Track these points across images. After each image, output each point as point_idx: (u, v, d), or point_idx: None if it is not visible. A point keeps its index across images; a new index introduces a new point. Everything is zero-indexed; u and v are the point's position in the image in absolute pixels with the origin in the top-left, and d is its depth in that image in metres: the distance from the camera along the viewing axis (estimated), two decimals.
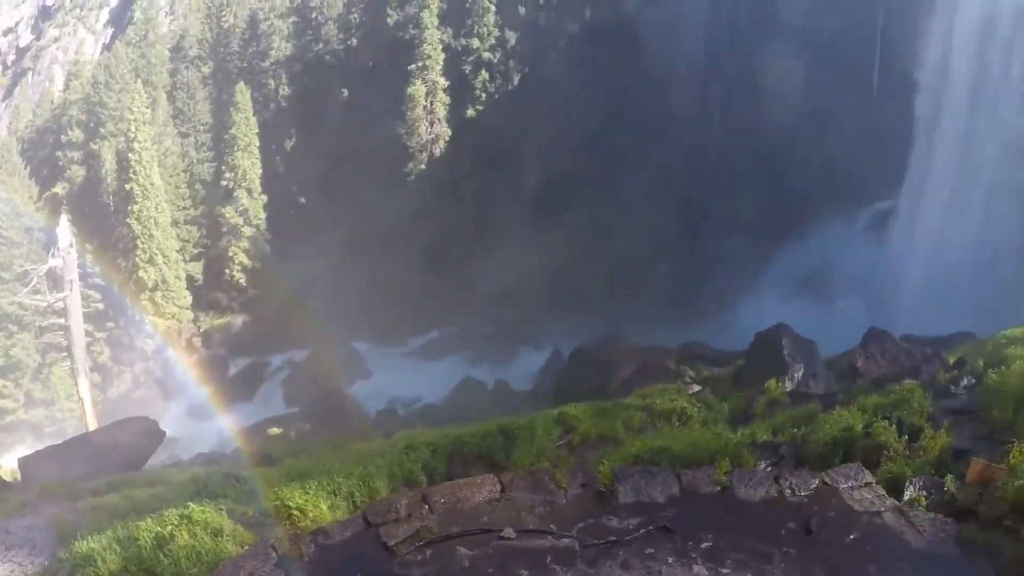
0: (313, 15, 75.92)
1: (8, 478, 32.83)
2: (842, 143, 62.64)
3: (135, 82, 71.34)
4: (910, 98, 59.41)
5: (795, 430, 16.98)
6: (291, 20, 77.04)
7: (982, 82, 56.73)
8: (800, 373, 29.50)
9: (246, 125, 68.90)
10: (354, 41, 74.26)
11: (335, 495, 14.32)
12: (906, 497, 12.60)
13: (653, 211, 63.77)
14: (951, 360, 28.62)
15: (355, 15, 75.19)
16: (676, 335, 53.30)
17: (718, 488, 12.62)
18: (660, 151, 65.44)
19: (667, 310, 59.14)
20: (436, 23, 67.47)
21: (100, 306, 66.01)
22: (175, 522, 13.32)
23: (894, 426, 15.59)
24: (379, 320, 65.46)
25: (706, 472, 13.07)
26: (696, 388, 30.73)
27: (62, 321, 51.85)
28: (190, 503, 14.36)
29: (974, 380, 23.03)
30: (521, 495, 12.97)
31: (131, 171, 63.73)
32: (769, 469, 14.32)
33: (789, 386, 27.72)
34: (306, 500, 13.80)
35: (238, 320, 70.83)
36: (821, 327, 40.50)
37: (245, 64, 77.23)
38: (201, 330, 70.05)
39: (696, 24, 71.15)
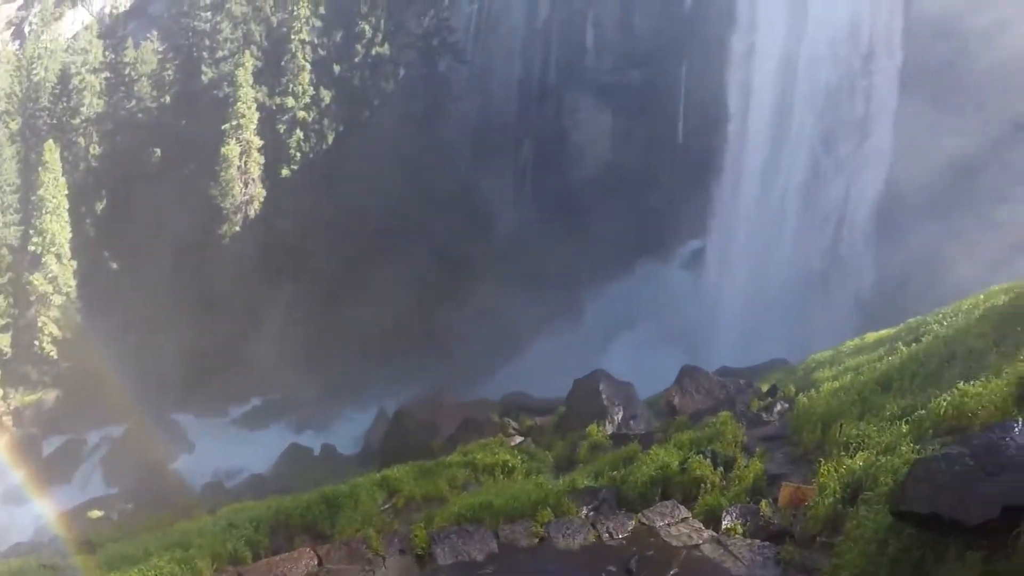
0: (127, 71, 76.90)
1: None
2: (652, 188, 67.71)
3: None
4: (715, 142, 64.84)
5: (614, 473, 18.11)
6: (104, 76, 77.36)
7: (781, 123, 62.68)
8: (620, 415, 30.67)
9: (55, 186, 68.57)
10: (168, 99, 75.46)
11: None
12: (724, 527, 13.36)
13: (468, 264, 67.70)
14: (764, 388, 30.84)
15: (169, 72, 76.70)
16: (499, 386, 56.14)
17: (536, 540, 13.12)
18: (474, 204, 70.00)
19: (487, 362, 61.62)
20: (251, 81, 70.17)
21: None
22: None
23: (709, 459, 16.74)
24: (199, 390, 66.28)
25: (524, 525, 13.67)
26: (519, 439, 32.37)
27: None
28: None
29: (787, 405, 24.76)
30: (339, 567, 13.20)
31: None
32: (589, 515, 14.90)
33: (610, 429, 29.02)
34: None
35: (51, 395, 69.70)
36: (641, 367, 44.42)
37: (55, 121, 77.22)
38: (11, 407, 68.76)
39: (508, 80, 76.69)
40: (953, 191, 50.30)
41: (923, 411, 14.38)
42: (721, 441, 18.74)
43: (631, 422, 30.34)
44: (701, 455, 16.79)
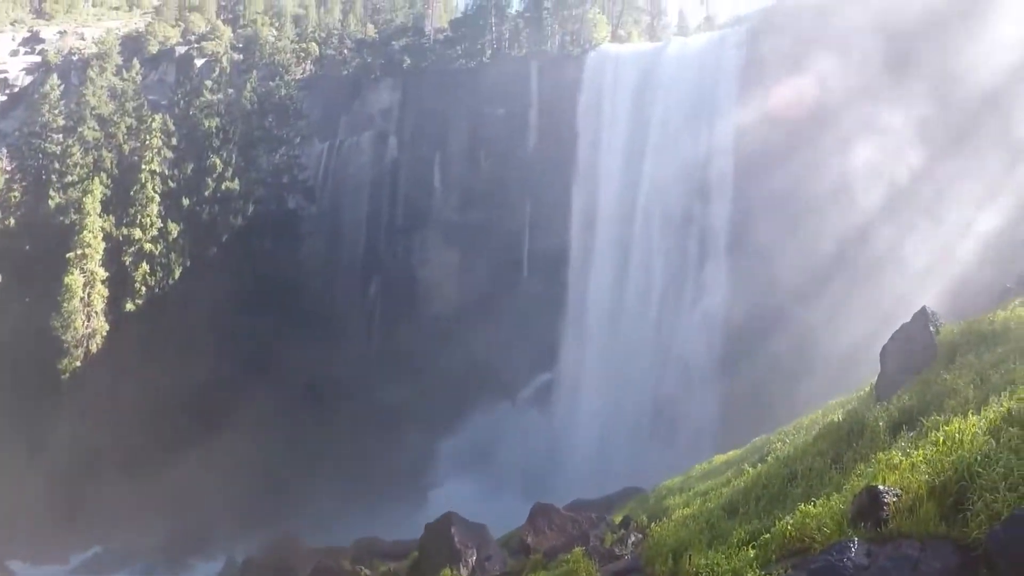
0: None
1: None
2: (499, 325, 67.98)
3: None
4: (559, 277, 68.24)
5: None
6: None
7: (623, 258, 66.48)
8: (474, 558, 30.03)
9: None
10: (12, 221, 74.09)
11: None
12: None
13: (316, 404, 67.39)
14: (617, 520, 30.49)
15: (16, 193, 76.07)
16: (351, 531, 53.10)
17: None
18: (322, 344, 69.30)
19: (338, 507, 60.10)
20: (99, 209, 69.44)
21: None
22: None
23: None
24: (36, 535, 61.80)
25: None
26: None
27: None
28: None
29: (640, 536, 24.54)
30: None
31: None
32: None
33: (465, 572, 28.69)
34: None
35: None
36: (493, 505, 44.51)
37: None
38: None
39: (356, 219, 78.43)
40: (787, 314, 52.60)
41: (768, 535, 14.49)
42: None
43: (486, 564, 29.85)
44: None
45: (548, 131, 75.52)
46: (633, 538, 24.97)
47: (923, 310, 20.13)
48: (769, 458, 23.61)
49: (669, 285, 64.09)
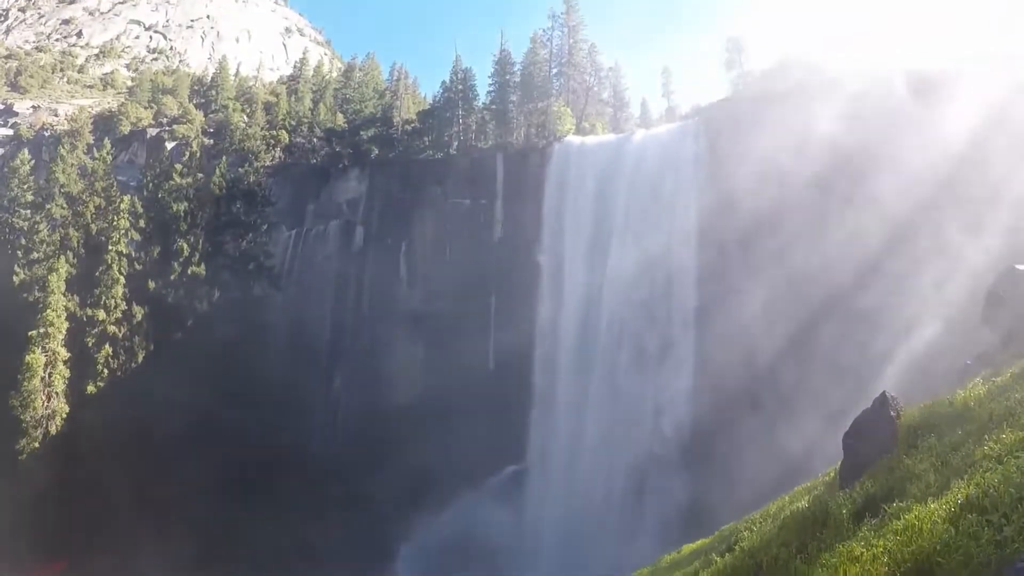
0: None
1: None
2: (466, 417, 68.41)
3: None
4: (526, 369, 68.62)
5: None
6: None
7: (588, 349, 67.73)
8: None
9: None
10: None
11: None
12: None
13: (282, 493, 66.38)
14: None
15: None
16: None
17: None
18: (288, 433, 69.49)
19: None
20: (63, 288, 68.68)
21: None
22: None
23: None
24: None
25: None
26: None
27: None
28: None
29: None
30: None
31: None
32: None
33: None
34: None
35: None
36: None
37: None
38: None
39: (322, 308, 78.66)
40: (753, 398, 54.49)
41: None
42: None
43: None
44: None
45: (514, 221, 77.32)
46: None
47: (883, 395, 20.18)
48: (736, 547, 23.35)
49: (635, 374, 64.90)
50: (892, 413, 20.78)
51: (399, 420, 72.00)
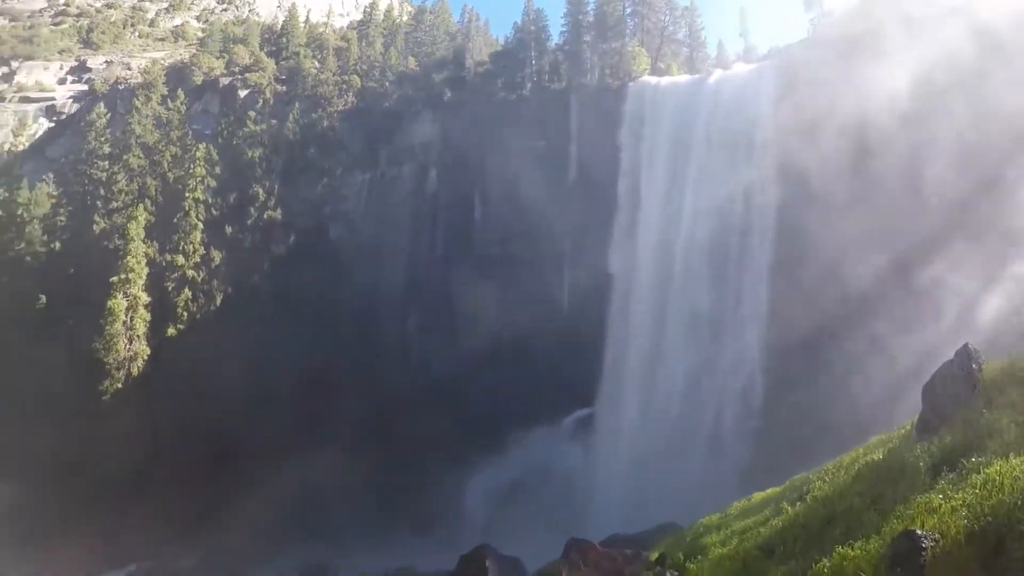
0: (19, 211, 76.78)
1: None
2: (538, 358, 69.13)
3: None
4: (599, 312, 68.03)
5: None
6: None
7: (663, 292, 66.73)
8: None
9: None
10: (58, 245, 75.75)
11: None
12: None
13: (357, 435, 66.89)
14: (653, 557, 30.70)
15: (62, 218, 77.92)
16: (384, 560, 55.29)
17: None
18: (363, 376, 70.11)
19: (372, 535, 60.37)
20: (142, 236, 70.91)
21: None
22: None
23: None
24: (67, 552, 61.68)
25: None
26: None
27: None
28: None
29: (676, 574, 24.61)
30: None
31: None
32: None
33: None
34: None
35: None
36: (528, 538, 44.65)
37: None
38: None
39: (397, 250, 78.68)
40: (828, 349, 52.32)
41: None
42: None
43: None
44: None
45: (588, 164, 76.44)
46: (669, 575, 25.05)
47: (965, 347, 19.84)
48: (808, 497, 23.53)
49: (709, 320, 63.87)
50: (974, 366, 19.93)
51: (472, 360, 72.40)
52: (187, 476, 64.78)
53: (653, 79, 78.71)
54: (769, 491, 32.41)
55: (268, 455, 64.17)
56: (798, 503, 23.63)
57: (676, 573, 24.47)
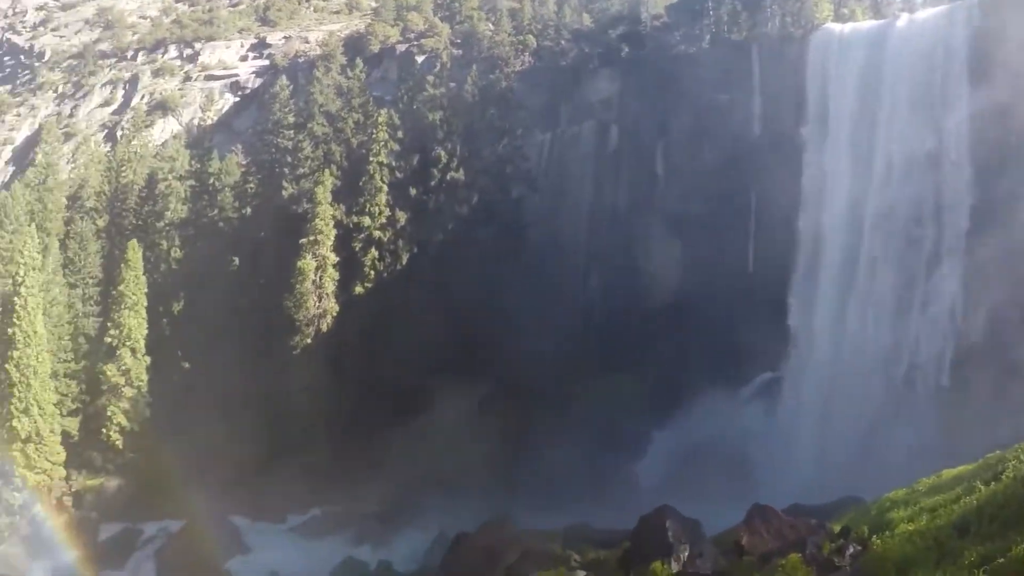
0: (211, 180, 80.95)
1: None
2: (722, 320, 67.37)
3: (29, 225, 74.08)
4: (786, 274, 66.40)
5: None
6: (189, 183, 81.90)
7: (852, 255, 64.43)
8: (686, 554, 30.10)
9: (135, 283, 71.80)
10: (248, 210, 79.37)
11: None
12: None
13: (535, 391, 67.61)
14: (836, 529, 30.09)
15: (251, 185, 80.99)
16: (561, 516, 55.05)
17: None
18: (544, 335, 69.11)
19: (550, 491, 60.29)
20: (329, 199, 72.50)
21: None
22: None
23: None
24: (258, 495, 66.52)
25: None
26: (581, 573, 32.36)
27: None
28: None
29: (859, 548, 24.45)
30: None
31: (15, 316, 65.57)
32: None
33: (675, 567, 28.69)
34: None
35: (112, 483, 71.48)
36: (707, 502, 43.21)
37: (140, 222, 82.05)
38: (72, 489, 70.78)
39: (578, 209, 78.74)
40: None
41: (1003, 559, 13.96)
42: None
43: (697, 561, 29.71)
44: None
45: (772, 117, 74.01)
46: (852, 549, 24.49)
47: None
48: (1005, 476, 22.36)
49: (899, 288, 61.60)
50: None
51: (654, 320, 71.86)
52: (372, 427, 67.23)
53: (837, 26, 75.20)
54: (960, 468, 31.24)
55: (447, 409, 65.98)
56: (992, 482, 22.68)
57: (860, 547, 23.86)
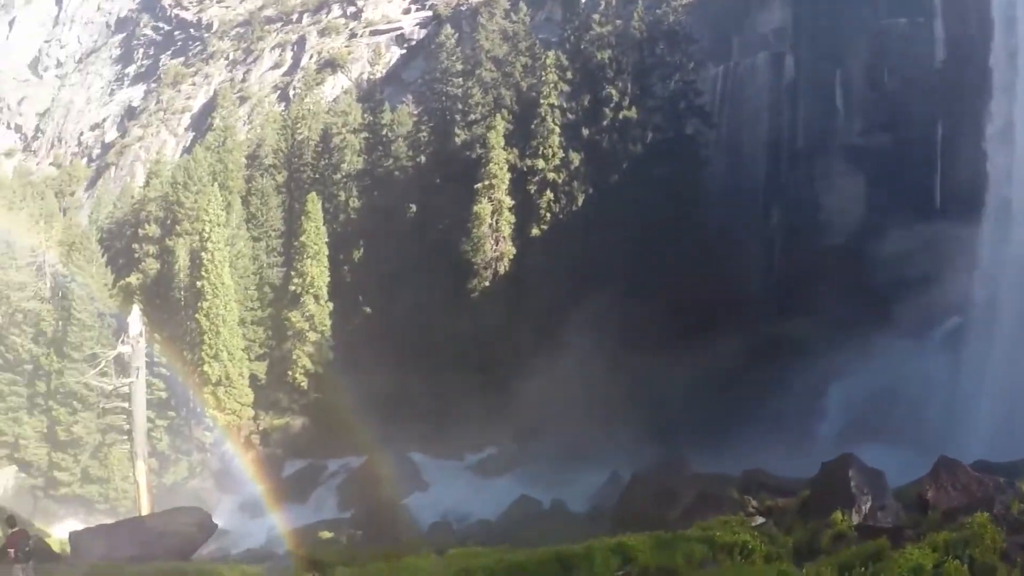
0: (384, 132, 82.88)
1: (57, 549, 36.33)
2: (906, 260, 63.60)
3: (212, 185, 78.66)
4: (975, 212, 60.91)
5: (863, 569, 17.28)
6: (363, 136, 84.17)
7: None
8: (867, 505, 28.76)
9: (316, 234, 74.89)
10: (423, 159, 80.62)
11: None
12: None
13: (713, 334, 65.08)
14: None
15: (424, 133, 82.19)
16: (737, 462, 52.95)
17: None
18: (723, 274, 68.10)
19: (727, 436, 58.63)
20: (502, 143, 72.79)
21: (163, 395, 71.79)
22: None
23: (966, 565, 15.78)
24: (436, 433, 68.17)
25: None
26: (759, 520, 31.08)
27: (125, 405, 58.03)
28: None
29: None
30: None
31: (203, 269, 70.04)
32: None
33: (856, 519, 27.56)
34: None
35: (297, 422, 75.39)
36: (889, 453, 41.14)
37: (317, 175, 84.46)
38: (260, 428, 74.91)
39: (756, 144, 75.96)
40: None
41: None
42: (979, 546, 17.16)
43: (879, 514, 28.29)
44: (958, 560, 15.54)
45: (956, 43, 69.19)
46: None
47: None
48: None
49: None
50: None
51: (835, 259, 68.53)
52: (549, 368, 64.91)
53: None
54: None
55: (624, 347, 63.59)
56: None
57: None
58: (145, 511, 48.07)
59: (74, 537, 36.54)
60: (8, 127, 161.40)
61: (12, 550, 19.91)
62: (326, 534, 53.35)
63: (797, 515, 29.68)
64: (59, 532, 54.54)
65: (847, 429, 56.70)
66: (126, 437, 64.48)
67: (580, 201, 72.10)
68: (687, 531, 22.59)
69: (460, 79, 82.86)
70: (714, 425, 59.86)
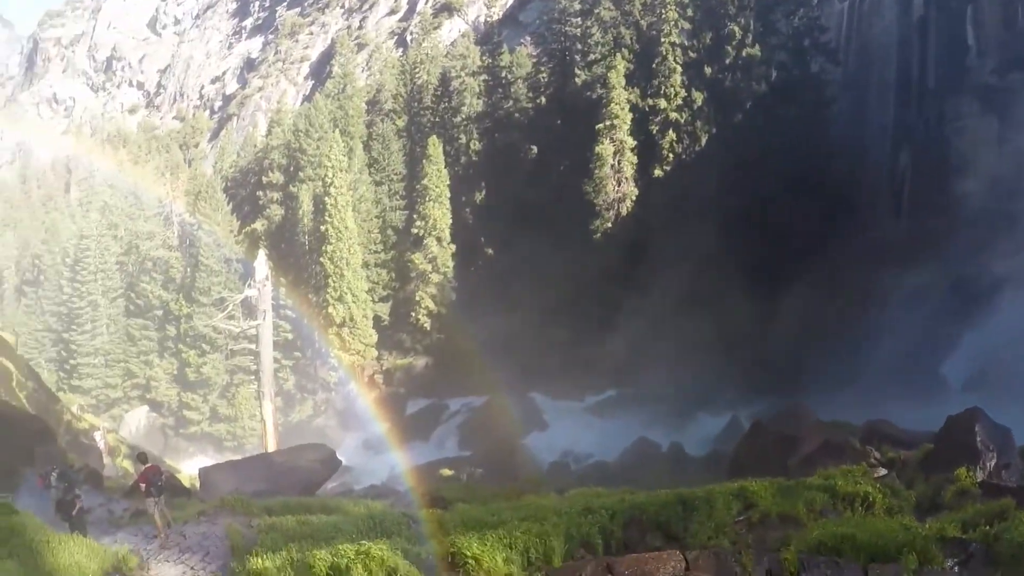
0: (503, 74, 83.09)
1: (187, 484, 38.51)
2: None
3: (333, 132, 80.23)
4: None
5: (987, 527, 16.75)
6: (482, 78, 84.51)
7: None
8: (993, 463, 28.02)
9: (438, 177, 75.73)
10: (542, 100, 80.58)
11: (511, 548, 15.25)
12: None
13: (839, 281, 64.86)
14: None
15: (543, 75, 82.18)
16: (860, 412, 50.20)
17: None
18: (849, 218, 66.94)
19: (853, 385, 57.39)
20: (623, 83, 72.04)
21: (289, 336, 74.99)
22: (351, 556, 14.63)
23: None
24: (557, 374, 68.55)
25: (893, 568, 13.54)
26: (882, 471, 30.10)
27: (252, 347, 60.00)
28: (366, 540, 15.63)
29: None
30: (706, 575, 13.63)
31: (326, 214, 71.98)
32: (954, 568, 14.30)
33: (980, 476, 26.70)
34: (483, 551, 14.85)
35: (420, 362, 77.27)
36: (1015, 410, 38.93)
37: (438, 119, 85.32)
38: (383, 368, 77.14)
39: (884, 83, 73.16)
40: None
41: None
42: None
43: (1004, 472, 27.60)
44: None
45: None
46: None
47: None
48: None
49: None
50: None
51: (968, 208, 65.21)
52: (664, 313, 65.87)
53: None
54: None
55: (742, 294, 63.74)
56: None
57: None
58: (271, 448, 49.12)
59: (203, 472, 37.69)
60: (131, 84, 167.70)
61: (144, 484, 20.97)
62: (447, 472, 53.80)
63: (919, 468, 29.21)
64: (189, 468, 57.48)
65: (974, 382, 55.48)
66: (253, 377, 67.68)
67: (703, 141, 71.15)
68: (809, 479, 22.37)
69: (579, 19, 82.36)
70: (840, 375, 58.77)
